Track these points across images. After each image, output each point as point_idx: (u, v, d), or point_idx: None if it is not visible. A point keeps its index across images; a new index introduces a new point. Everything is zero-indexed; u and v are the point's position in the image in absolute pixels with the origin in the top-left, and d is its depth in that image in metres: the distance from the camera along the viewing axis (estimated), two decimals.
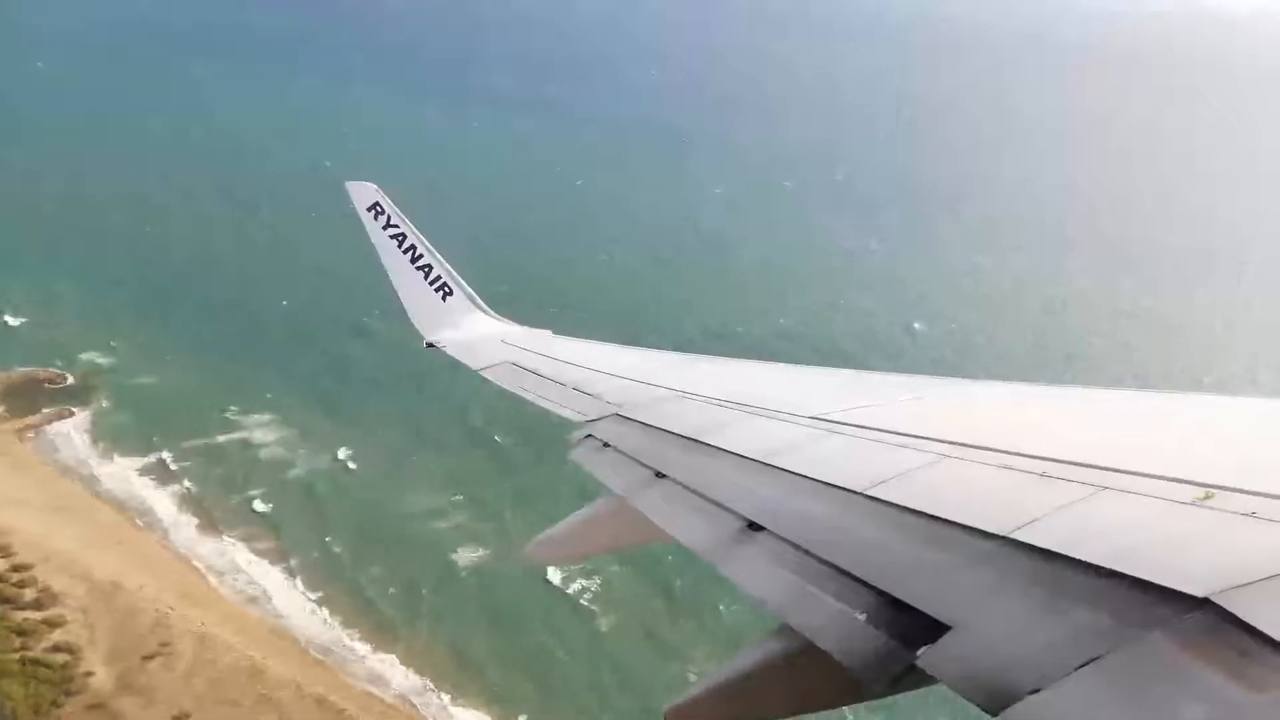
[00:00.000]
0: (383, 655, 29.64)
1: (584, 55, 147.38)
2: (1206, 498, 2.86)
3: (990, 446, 3.77)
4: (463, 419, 40.21)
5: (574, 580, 31.40)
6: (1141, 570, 2.45)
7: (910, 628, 2.66)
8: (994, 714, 2.20)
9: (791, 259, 63.99)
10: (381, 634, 30.25)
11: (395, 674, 29.05)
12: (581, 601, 30.89)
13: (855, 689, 2.88)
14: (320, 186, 65.05)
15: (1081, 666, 2.20)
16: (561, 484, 33.70)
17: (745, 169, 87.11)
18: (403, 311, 10.49)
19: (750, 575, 3.42)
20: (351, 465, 38.03)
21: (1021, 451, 3.62)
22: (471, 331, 10.31)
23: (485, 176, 76.15)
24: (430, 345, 10.19)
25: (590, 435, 5.68)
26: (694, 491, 4.27)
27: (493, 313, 10.78)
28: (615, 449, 5.32)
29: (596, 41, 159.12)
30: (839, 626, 2.86)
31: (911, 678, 2.58)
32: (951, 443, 3.92)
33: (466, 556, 33.02)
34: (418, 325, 10.49)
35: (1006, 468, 3.54)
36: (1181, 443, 3.90)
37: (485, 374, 8.62)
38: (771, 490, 4.00)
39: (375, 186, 10.85)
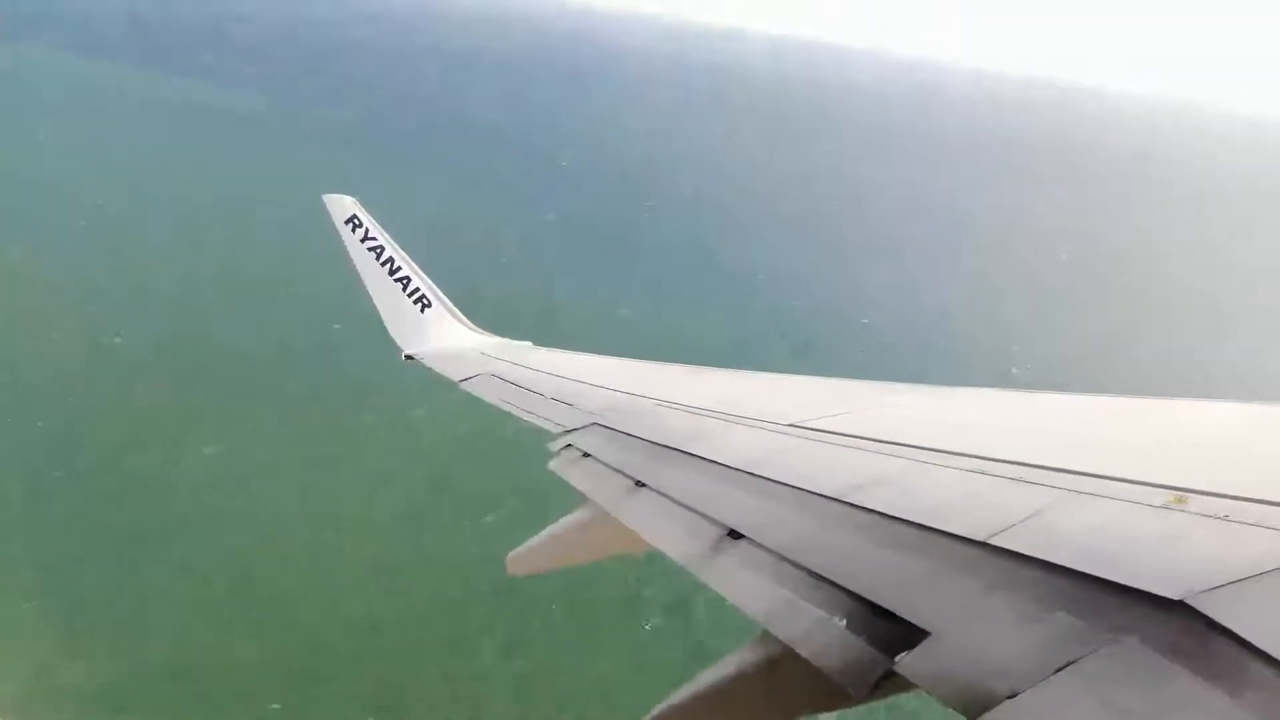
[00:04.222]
0: None
1: None
2: (1179, 501, 2.89)
3: (966, 452, 3.78)
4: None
5: None
6: (1116, 574, 2.48)
7: (889, 634, 2.67)
8: (972, 718, 2.21)
9: None
10: None
11: None
12: None
13: (836, 696, 2.89)
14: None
15: (1058, 670, 2.22)
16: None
17: None
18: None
19: (731, 583, 3.40)
20: None
21: (997, 457, 3.64)
22: (450, 343, 10.21)
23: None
24: (409, 358, 10.06)
25: (569, 445, 5.61)
26: (674, 500, 4.24)
27: (472, 324, 10.71)
28: (594, 458, 5.26)
29: None
30: (818, 633, 2.85)
31: (891, 684, 2.58)
32: (928, 449, 3.94)
33: None
34: (396, 338, 10.39)
35: (982, 473, 3.55)
36: (1154, 447, 3.93)
37: (464, 386, 8.50)
38: (751, 498, 3.99)
39: (353, 199, 10.83)
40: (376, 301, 10.59)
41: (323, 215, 10.95)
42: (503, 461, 31.87)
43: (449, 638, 25.32)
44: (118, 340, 40.42)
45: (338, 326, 42.88)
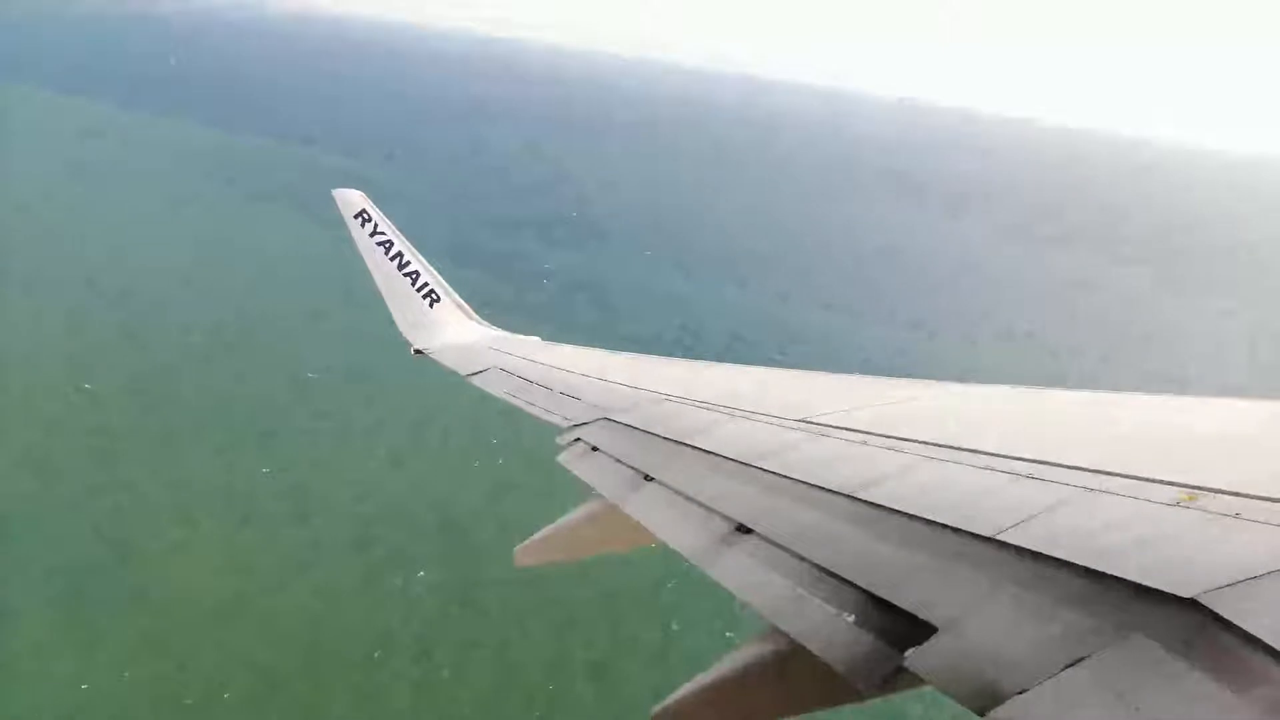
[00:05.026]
0: None
1: None
2: (1191, 499, 2.88)
3: (976, 448, 3.78)
4: None
5: None
6: (1127, 571, 2.48)
7: (898, 629, 2.68)
8: (980, 714, 2.21)
9: None
10: None
11: None
12: None
13: (844, 690, 2.89)
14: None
15: (1067, 667, 2.22)
16: None
17: None
18: None
19: (738, 577, 3.41)
20: None
21: (1007, 453, 3.63)
22: (459, 338, 10.22)
23: None
24: (418, 352, 10.06)
25: (578, 439, 5.62)
26: (682, 494, 4.25)
27: (480, 319, 10.72)
28: (603, 452, 5.27)
29: None
30: (827, 628, 2.86)
31: (900, 679, 2.59)
32: (938, 444, 3.93)
33: None
34: (404, 332, 10.39)
35: (992, 469, 3.55)
36: (1166, 444, 3.92)
37: (473, 380, 8.49)
38: (759, 493, 3.99)
39: (361, 194, 10.88)
40: (385, 295, 10.59)
41: (333, 211, 10.96)
42: (438, 523, 32.46)
43: (359, 693, 24.83)
44: (87, 387, 40.70)
45: (312, 375, 43.33)
